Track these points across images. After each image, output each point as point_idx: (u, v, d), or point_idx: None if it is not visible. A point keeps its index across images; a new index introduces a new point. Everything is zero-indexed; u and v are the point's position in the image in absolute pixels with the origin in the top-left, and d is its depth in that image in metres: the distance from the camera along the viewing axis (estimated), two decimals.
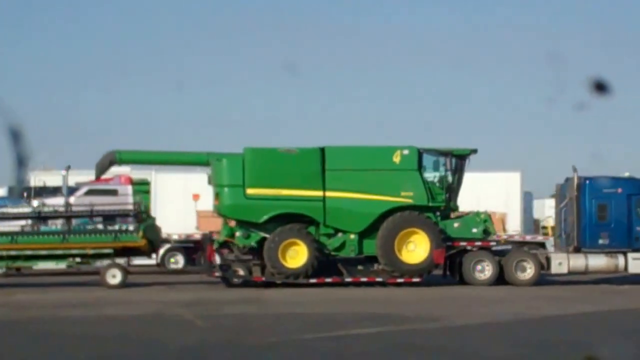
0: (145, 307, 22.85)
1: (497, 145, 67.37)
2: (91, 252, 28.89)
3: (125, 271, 28.99)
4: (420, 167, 29.01)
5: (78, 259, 29.01)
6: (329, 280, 28.41)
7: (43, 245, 28.77)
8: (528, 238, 35.92)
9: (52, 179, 37.01)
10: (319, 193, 28.33)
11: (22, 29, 73.42)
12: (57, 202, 33.58)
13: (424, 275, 28.89)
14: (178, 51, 75.69)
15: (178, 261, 35.71)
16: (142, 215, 29.72)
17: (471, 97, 73.13)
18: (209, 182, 29.66)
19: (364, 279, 28.67)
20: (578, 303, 24.37)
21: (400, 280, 28.55)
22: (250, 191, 28.24)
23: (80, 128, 69.03)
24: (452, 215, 29.88)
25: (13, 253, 28.83)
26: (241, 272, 28.89)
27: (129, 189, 36.06)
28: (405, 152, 28.61)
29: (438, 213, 29.19)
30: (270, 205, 28.23)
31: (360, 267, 29.07)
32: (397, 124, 67.50)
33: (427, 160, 29.43)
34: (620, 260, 29.87)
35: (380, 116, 70.50)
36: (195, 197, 32.86)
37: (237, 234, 28.63)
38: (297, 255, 28.18)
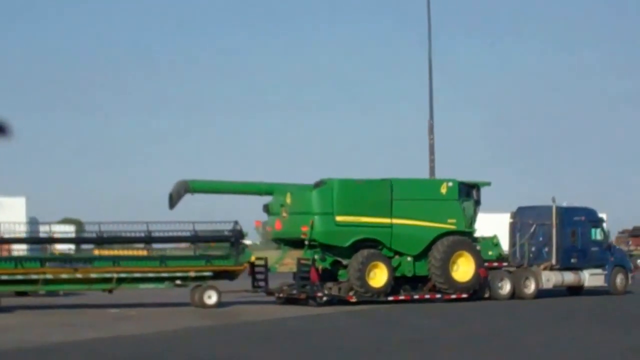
0: None
1: None
2: (193, 275, 30.91)
3: (220, 292, 30.81)
4: (459, 197, 33.52)
5: (178, 282, 31.04)
6: (402, 297, 32.25)
7: (151, 269, 30.64)
8: None
9: None
10: (388, 220, 32.11)
11: None
12: None
13: (471, 291, 33.06)
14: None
15: None
16: (241, 242, 31.60)
17: None
18: (265, 210, 32.88)
19: (427, 296, 32.63)
20: (84, 329, 24.34)
21: (453, 296, 32.72)
22: (339, 218, 31.50)
23: None
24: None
25: (123, 275, 30.24)
26: (326, 292, 31.79)
27: None
28: (450, 184, 33.37)
29: (468, 237, 33.61)
30: (353, 231, 31.82)
31: (406, 287, 32.83)
32: None
33: (461, 191, 33.74)
34: (582, 275, 36.48)
35: None
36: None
37: (316, 257, 31.60)
38: (376, 277, 31.73)
